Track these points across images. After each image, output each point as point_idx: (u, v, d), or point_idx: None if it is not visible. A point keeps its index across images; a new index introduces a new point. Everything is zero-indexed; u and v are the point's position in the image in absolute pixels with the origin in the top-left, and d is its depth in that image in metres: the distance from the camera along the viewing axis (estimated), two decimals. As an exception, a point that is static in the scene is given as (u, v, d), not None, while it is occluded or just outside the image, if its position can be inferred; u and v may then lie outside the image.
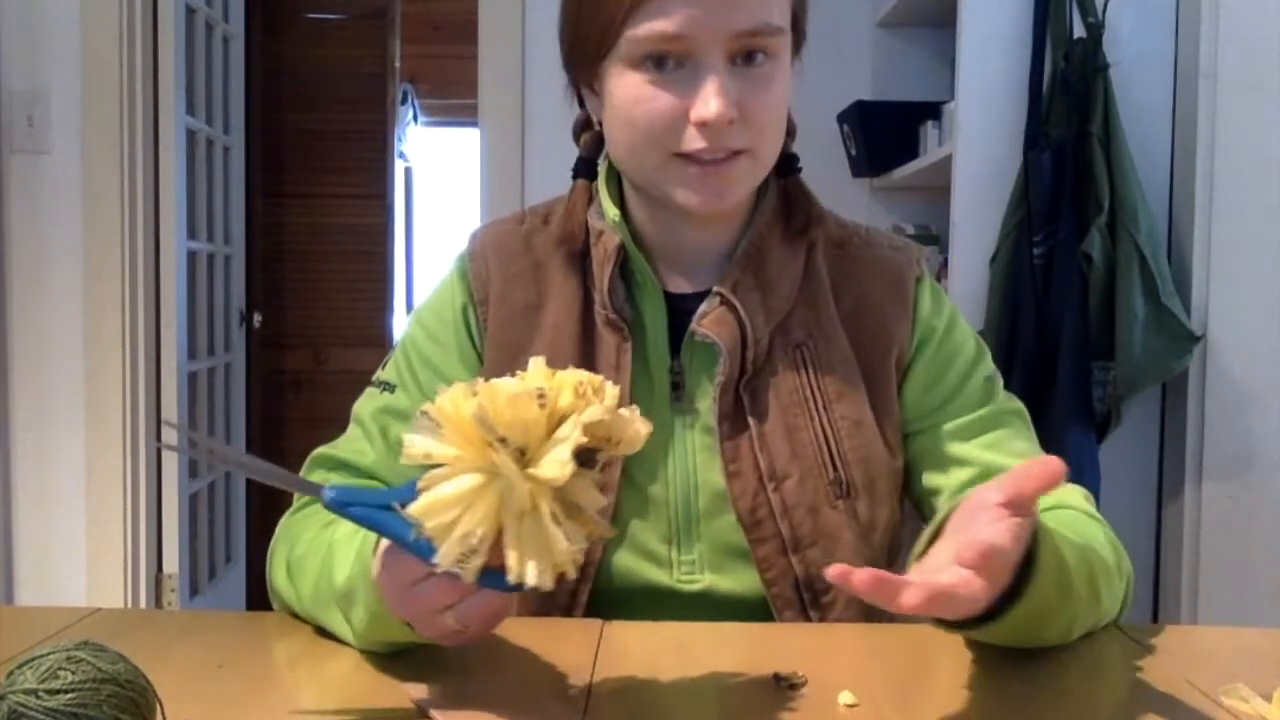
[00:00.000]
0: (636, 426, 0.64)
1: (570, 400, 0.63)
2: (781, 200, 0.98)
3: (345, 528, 0.82)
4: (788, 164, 0.98)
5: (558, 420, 0.62)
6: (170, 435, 0.73)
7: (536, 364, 0.66)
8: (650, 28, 0.84)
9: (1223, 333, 1.85)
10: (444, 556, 0.62)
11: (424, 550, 0.63)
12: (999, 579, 0.66)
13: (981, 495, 0.67)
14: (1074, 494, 0.94)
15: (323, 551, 0.83)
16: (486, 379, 0.96)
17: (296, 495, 0.96)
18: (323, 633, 0.84)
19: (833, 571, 0.59)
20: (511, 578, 0.61)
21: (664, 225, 0.96)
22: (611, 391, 0.64)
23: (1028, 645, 0.78)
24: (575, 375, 0.64)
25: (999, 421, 0.96)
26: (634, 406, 0.65)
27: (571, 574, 0.63)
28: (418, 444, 0.63)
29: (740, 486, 0.91)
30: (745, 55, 0.86)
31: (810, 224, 0.97)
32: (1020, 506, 0.65)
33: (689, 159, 0.87)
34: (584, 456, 0.63)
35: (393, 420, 0.97)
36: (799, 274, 0.97)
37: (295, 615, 0.89)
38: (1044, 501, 0.91)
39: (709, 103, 0.84)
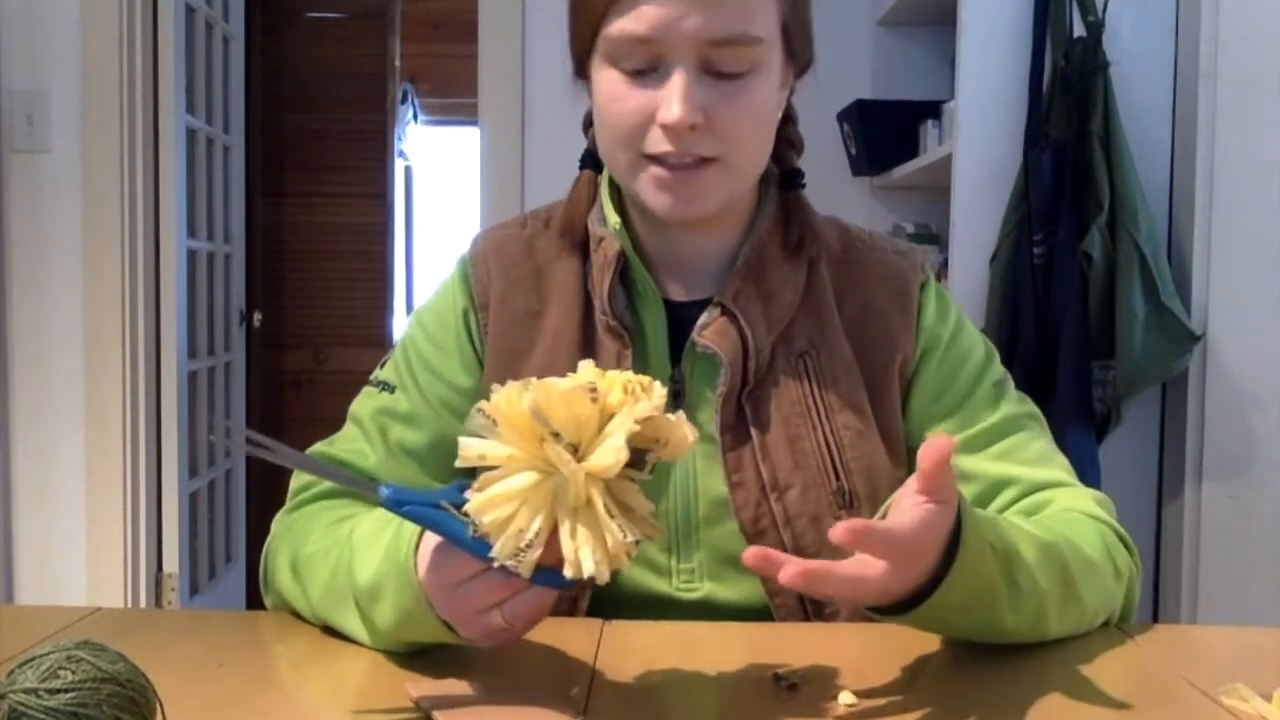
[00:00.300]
0: (684, 431, 0.66)
1: (620, 397, 0.64)
2: (780, 213, 0.97)
3: (365, 528, 0.82)
4: (791, 178, 0.98)
5: (607, 417, 0.64)
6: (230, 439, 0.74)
7: (586, 365, 0.68)
8: (622, 27, 0.84)
9: (1223, 333, 1.85)
10: (500, 550, 0.63)
11: (478, 548, 0.65)
12: (907, 564, 0.68)
13: (906, 485, 0.70)
14: (1083, 499, 0.93)
15: (337, 551, 0.83)
16: (486, 384, 0.96)
17: (291, 492, 0.96)
18: (329, 632, 0.84)
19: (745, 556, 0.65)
20: (568, 570, 0.63)
21: (662, 233, 0.95)
22: (659, 391, 0.65)
23: (990, 637, 0.79)
24: (624, 375, 0.66)
25: (1009, 429, 0.95)
26: (680, 413, 0.66)
27: (625, 567, 0.64)
28: (473, 446, 0.65)
29: (743, 497, 0.90)
30: (719, 63, 0.85)
31: (805, 241, 0.96)
32: (933, 492, 0.67)
33: (657, 161, 0.87)
34: (634, 458, 0.64)
35: (392, 422, 0.96)
36: (801, 283, 0.96)
37: (296, 615, 0.89)
38: (1053, 507, 0.91)
39: (672, 106, 0.84)
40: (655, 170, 0.87)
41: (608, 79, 0.87)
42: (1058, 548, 0.80)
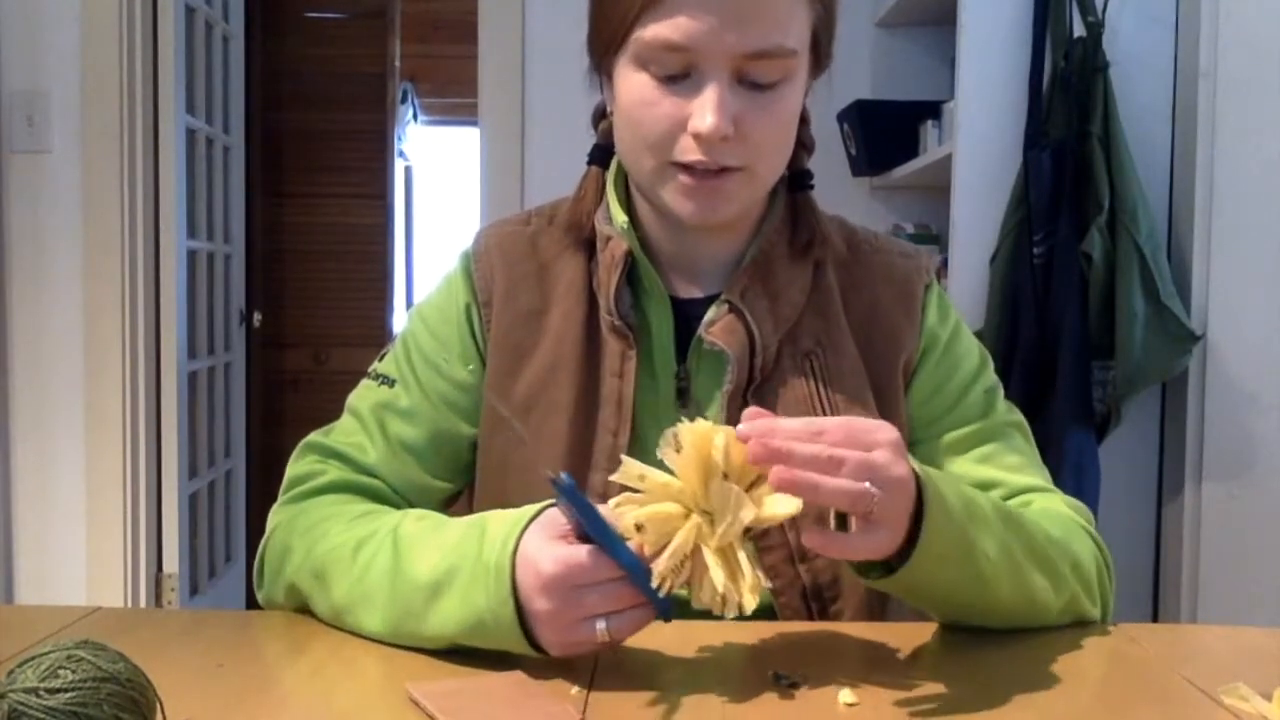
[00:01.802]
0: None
1: None
2: (789, 213, 0.97)
3: (411, 526, 0.82)
4: (799, 180, 0.98)
5: (758, 476, 0.71)
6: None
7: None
8: (657, 32, 0.83)
9: (1223, 333, 1.85)
10: (663, 560, 0.69)
11: (626, 556, 0.70)
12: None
13: None
14: (1059, 503, 0.94)
15: (372, 547, 0.83)
16: (489, 382, 0.96)
17: (289, 482, 0.96)
18: (331, 630, 0.84)
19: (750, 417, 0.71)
20: (706, 592, 0.70)
21: (671, 231, 0.95)
22: None
23: (978, 602, 0.80)
24: None
25: (994, 434, 0.96)
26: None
27: (750, 609, 0.69)
28: (633, 466, 0.72)
29: None
30: (753, 74, 0.84)
31: (813, 244, 0.96)
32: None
33: (683, 168, 0.86)
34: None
35: (392, 416, 0.96)
36: (808, 282, 0.96)
37: (299, 610, 0.89)
38: (1029, 510, 0.92)
39: (705, 116, 0.83)
40: (681, 178, 0.87)
41: (637, 82, 0.86)
42: (1014, 513, 0.83)
